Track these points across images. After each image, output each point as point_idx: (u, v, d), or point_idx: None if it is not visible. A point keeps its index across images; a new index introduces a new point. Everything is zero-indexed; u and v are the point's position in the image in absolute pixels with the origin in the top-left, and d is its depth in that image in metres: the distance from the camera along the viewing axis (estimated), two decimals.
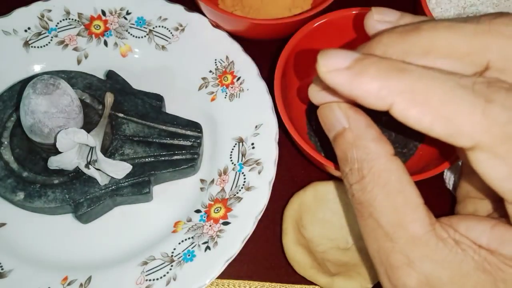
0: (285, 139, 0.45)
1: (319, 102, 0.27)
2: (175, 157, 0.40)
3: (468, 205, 0.29)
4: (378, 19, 0.26)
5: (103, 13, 0.47)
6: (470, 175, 0.29)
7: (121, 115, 0.41)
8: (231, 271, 0.40)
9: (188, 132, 0.41)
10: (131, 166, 0.38)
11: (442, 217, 0.24)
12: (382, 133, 0.25)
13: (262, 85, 0.44)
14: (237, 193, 0.40)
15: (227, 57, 0.45)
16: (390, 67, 0.22)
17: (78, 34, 0.46)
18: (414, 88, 0.21)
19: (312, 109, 0.45)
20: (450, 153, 0.37)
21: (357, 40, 0.44)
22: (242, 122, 0.43)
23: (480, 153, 0.21)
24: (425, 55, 0.23)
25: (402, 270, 0.23)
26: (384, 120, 0.43)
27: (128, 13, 0.47)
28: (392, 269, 0.23)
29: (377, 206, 0.24)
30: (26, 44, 0.45)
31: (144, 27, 0.47)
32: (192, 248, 0.39)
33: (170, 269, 0.38)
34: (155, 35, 0.46)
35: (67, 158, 0.37)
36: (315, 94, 0.27)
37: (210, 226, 0.39)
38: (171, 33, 0.46)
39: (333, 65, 0.22)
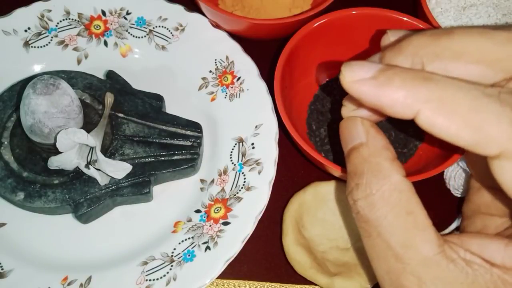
0: (285, 139, 0.45)
1: (346, 115, 0.28)
2: (175, 157, 0.40)
3: (477, 221, 0.28)
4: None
5: (103, 13, 0.47)
6: (481, 190, 0.29)
7: (121, 115, 0.41)
8: (231, 271, 0.40)
9: (188, 132, 0.41)
10: (131, 166, 0.38)
11: (451, 234, 0.24)
12: (397, 158, 0.25)
13: (262, 85, 0.44)
14: (237, 193, 0.40)
15: (227, 57, 0.45)
16: (415, 76, 0.22)
17: (78, 34, 0.46)
18: (441, 96, 0.21)
19: (313, 109, 0.45)
20: (450, 153, 0.37)
21: (358, 40, 0.44)
22: (242, 122, 0.43)
23: (506, 161, 0.21)
24: (456, 59, 0.24)
25: None
26: (384, 121, 0.43)
27: (128, 13, 0.47)
28: None
29: (386, 226, 0.23)
30: (26, 44, 0.45)
31: (144, 27, 0.47)
32: (192, 248, 0.39)
33: (170, 269, 0.38)
34: (155, 35, 0.46)
35: (67, 158, 0.37)
36: (347, 111, 0.27)
37: (210, 226, 0.39)
38: (171, 33, 0.46)
39: (358, 75, 0.23)
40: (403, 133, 0.43)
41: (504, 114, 0.21)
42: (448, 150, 0.38)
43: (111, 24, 0.47)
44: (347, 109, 0.27)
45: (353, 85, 0.23)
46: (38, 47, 0.45)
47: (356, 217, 0.25)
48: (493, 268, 0.22)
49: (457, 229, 0.40)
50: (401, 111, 0.22)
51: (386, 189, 0.24)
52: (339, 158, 0.43)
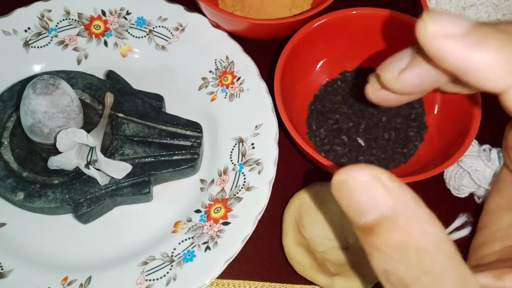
0: (285, 139, 0.45)
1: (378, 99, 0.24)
2: (175, 157, 0.40)
3: (505, 217, 0.24)
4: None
5: (103, 13, 0.47)
6: None
7: (121, 115, 0.41)
8: (231, 271, 0.40)
9: (188, 132, 0.41)
10: (131, 166, 0.38)
11: (484, 273, 0.20)
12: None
13: (262, 85, 0.44)
14: (237, 193, 0.40)
15: (227, 57, 0.45)
16: None
17: (78, 34, 0.46)
18: None
19: (313, 109, 0.45)
20: (449, 154, 0.37)
21: (358, 40, 0.44)
22: (242, 122, 0.43)
23: None
24: None
25: None
26: (384, 121, 0.43)
27: (128, 13, 0.47)
28: None
29: None
30: (26, 44, 0.45)
31: (144, 27, 0.47)
32: (192, 248, 0.39)
33: (170, 269, 0.38)
34: (155, 35, 0.46)
35: (67, 158, 0.37)
36: (371, 89, 0.24)
37: (210, 226, 0.39)
38: (171, 33, 0.46)
39: (444, 29, 0.18)
40: (403, 133, 0.43)
41: None
42: (447, 150, 0.38)
43: (111, 24, 0.47)
44: (373, 87, 0.24)
45: (437, 41, 0.18)
46: (38, 47, 0.45)
47: None
48: None
49: (457, 229, 0.40)
50: (490, 80, 0.18)
51: (446, 253, 0.17)
52: (339, 158, 0.43)
